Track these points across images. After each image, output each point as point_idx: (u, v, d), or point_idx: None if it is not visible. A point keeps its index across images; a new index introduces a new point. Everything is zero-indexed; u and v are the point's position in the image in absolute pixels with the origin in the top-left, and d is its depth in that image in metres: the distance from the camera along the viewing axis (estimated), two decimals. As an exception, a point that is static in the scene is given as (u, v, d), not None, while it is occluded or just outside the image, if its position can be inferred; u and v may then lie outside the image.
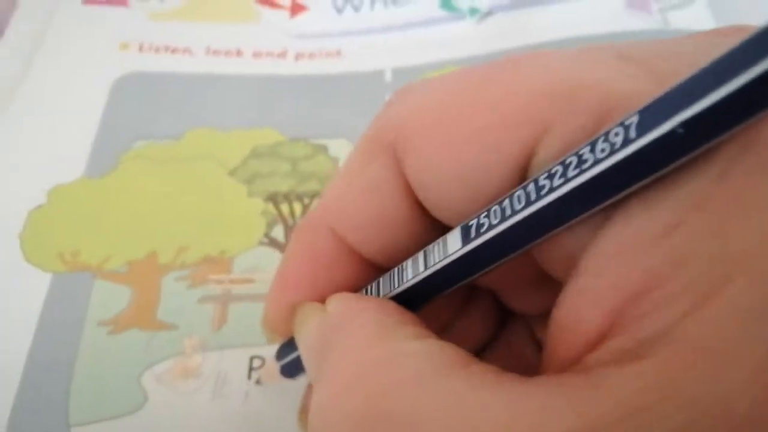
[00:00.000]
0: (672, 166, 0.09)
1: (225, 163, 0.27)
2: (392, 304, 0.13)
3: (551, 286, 0.13)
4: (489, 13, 0.32)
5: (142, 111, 0.29)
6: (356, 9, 0.33)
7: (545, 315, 0.16)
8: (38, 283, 0.23)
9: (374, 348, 0.11)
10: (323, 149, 0.27)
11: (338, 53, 0.31)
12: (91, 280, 0.23)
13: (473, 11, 0.32)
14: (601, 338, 0.10)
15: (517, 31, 0.31)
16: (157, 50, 0.31)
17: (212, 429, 0.20)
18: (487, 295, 0.16)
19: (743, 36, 0.11)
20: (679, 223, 0.09)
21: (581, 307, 0.10)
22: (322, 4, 0.33)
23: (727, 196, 0.09)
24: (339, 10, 0.33)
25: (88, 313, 0.23)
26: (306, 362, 0.14)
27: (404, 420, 0.10)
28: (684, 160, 0.09)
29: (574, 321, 0.11)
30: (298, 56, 0.31)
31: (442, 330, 0.16)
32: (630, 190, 0.10)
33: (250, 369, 0.22)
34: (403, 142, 0.13)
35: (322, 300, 0.14)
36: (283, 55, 0.31)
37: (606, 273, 0.10)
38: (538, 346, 0.16)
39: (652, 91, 0.09)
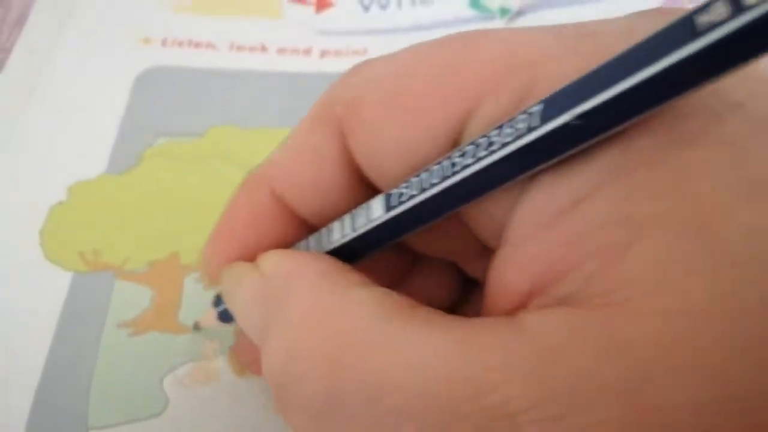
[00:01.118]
0: (573, 150, 0.10)
1: (248, 162, 0.26)
2: (329, 257, 0.14)
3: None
4: (519, 13, 0.31)
5: (165, 107, 0.28)
6: (383, 7, 0.32)
7: None
8: (58, 283, 0.23)
9: (323, 296, 0.12)
10: (348, 149, 0.27)
11: (365, 51, 0.30)
12: (112, 280, 0.23)
13: (503, 11, 0.31)
14: (526, 300, 0.11)
15: (548, 32, 0.30)
16: (180, 44, 0.30)
17: (233, 435, 0.20)
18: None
19: (654, 22, 0.12)
20: (586, 195, 0.11)
21: (507, 274, 0.12)
22: (349, 1, 0.32)
23: (628, 170, 0.10)
24: (366, 8, 0.32)
25: (108, 314, 0.22)
26: (244, 322, 0.15)
27: (360, 363, 0.11)
28: (584, 146, 0.10)
29: (502, 286, 0.12)
30: (323, 53, 0.30)
31: (395, 283, 0.17)
32: (534, 170, 0.11)
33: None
34: (350, 115, 0.14)
35: (254, 255, 0.15)
36: (308, 52, 0.30)
37: (525, 243, 0.11)
38: None
39: (571, 74, 0.10)
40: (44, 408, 0.20)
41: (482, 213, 0.13)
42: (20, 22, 0.31)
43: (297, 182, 0.15)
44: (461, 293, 0.18)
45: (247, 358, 0.21)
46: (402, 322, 0.11)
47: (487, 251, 0.14)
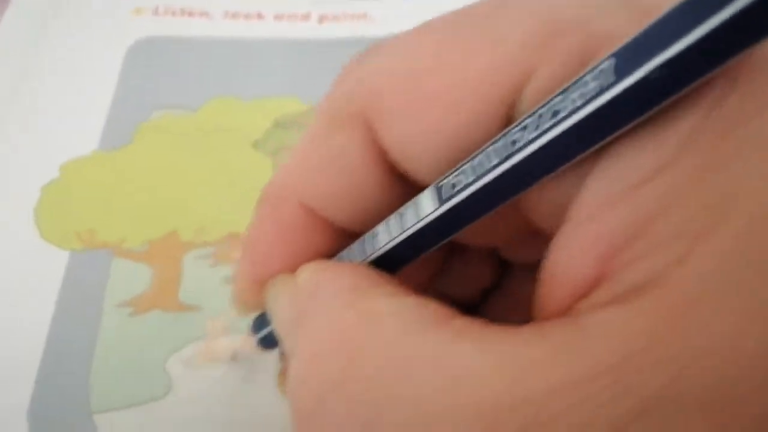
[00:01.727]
0: (653, 110, 0.09)
1: (247, 135, 0.25)
2: (365, 268, 0.13)
3: (546, 236, 0.13)
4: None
5: (159, 79, 0.27)
6: (383, -33, 0.31)
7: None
8: (55, 262, 0.22)
9: (349, 311, 0.11)
10: (350, 118, 0.26)
11: (364, 16, 0.29)
12: (109, 258, 0.22)
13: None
14: (591, 288, 0.10)
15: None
16: (173, 14, 0.29)
17: (241, 416, 0.19)
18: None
19: None
20: (667, 164, 0.09)
21: (569, 256, 0.10)
22: (347, -38, 0.31)
23: (717, 133, 0.09)
24: (365, -31, 0.31)
25: (107, 294, 0.21)
26: (281, 336, 0.14)
27: (385, 379, 0.10)
28: (666, 103, 0.09)
29: (562, 271, 0.10)
30: (322, 19, 0.29)
31: (434, 276, 0.16)
32: (609, 138, 0.10)
33: (281, 353, 0.20)
34: (377, 109, 0.12)
35: (293, 271, 0.14)
36: (306, 17, 0.29)
37: (593, 220, 0.10)
38: None
39: (632, 28, 0.09)
40: (45, 392, 0.20)
41: (540, 194, 0.11)
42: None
43: (327, 190, 0.13)
44: (496, 277, 0.16)
45: None
46: (438, 334, 0.10)
47: (532, 235, 0.13)
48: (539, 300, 0.11)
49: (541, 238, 0.13)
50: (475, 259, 0.16)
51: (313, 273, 0.13)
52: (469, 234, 0.14)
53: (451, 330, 0.10)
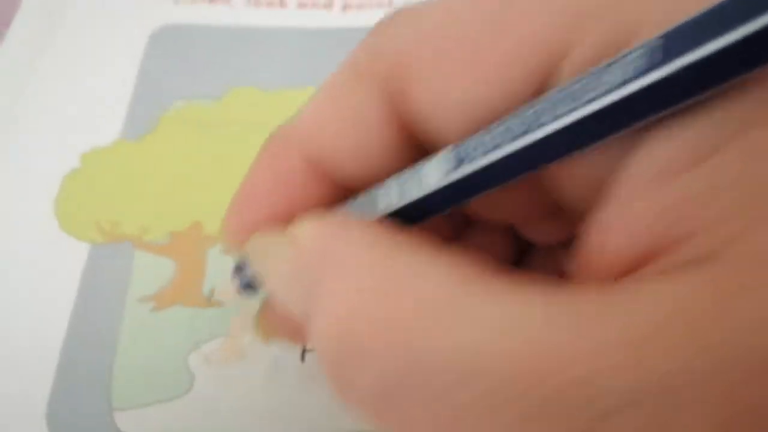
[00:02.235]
0: (702, 95, 0.09)
1: (271, 126, 0.25)
2: (376, 223, 0.12)
3: (567, 216, 0.13)
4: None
5: (181, 67, 0.27)
6: (409, -46, 0.30)
7: (565, 243, 0.14)
8: (75, 255, 0.22)
9: (376, 273, 0.11)
10: (375, 110, 0.25)
11: (390, 3, 0.28)
12: (131, 251, 0.22)
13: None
14: (637, 266, 0.09)
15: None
16: (194, 1, 0.29)
17: (264, 414, 0.19)
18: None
19: None
20: (728, 141, 0.09)
21: (613, 236, 0.10)
22: (371, -51, 0.30)
23: None
24: (390, -44, 0.30)
25: (129, 288, 0.21)
26: (284, 295, 0.13)
27: (425, 331, 0.10)
28: (716, 89, 0.09)
29: (604, 252, 0.10)
30: (346, 7, 0.28)
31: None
32: (645, 121, 0.09)
33: (303, 351, 0.20)
34: (405, 70, 0.12)
35: (282, 220, 0.14)
36: (329, 5, 0.29)
37: (642, 199, 0.10)
38: (561, 274, 0.15)
39: (676, 12, 0.09)
40: (65, 389, 0.19)
41: (571, 171, 0.11)
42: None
43: (337, 145, 0.13)
44: (516, 256, 0.16)
45: (273, 325, 0.19)
46: (478, 297, 0.10)
47: (552, 214, 0.13)
48: (577, 279, 0.11)
49: (561, 218, 0.13)
50: (490, 235, 0.16)
51: (317, 229, 0.12)
52: (485, 207, 0.14)
53: (504, 285, 0.10)
